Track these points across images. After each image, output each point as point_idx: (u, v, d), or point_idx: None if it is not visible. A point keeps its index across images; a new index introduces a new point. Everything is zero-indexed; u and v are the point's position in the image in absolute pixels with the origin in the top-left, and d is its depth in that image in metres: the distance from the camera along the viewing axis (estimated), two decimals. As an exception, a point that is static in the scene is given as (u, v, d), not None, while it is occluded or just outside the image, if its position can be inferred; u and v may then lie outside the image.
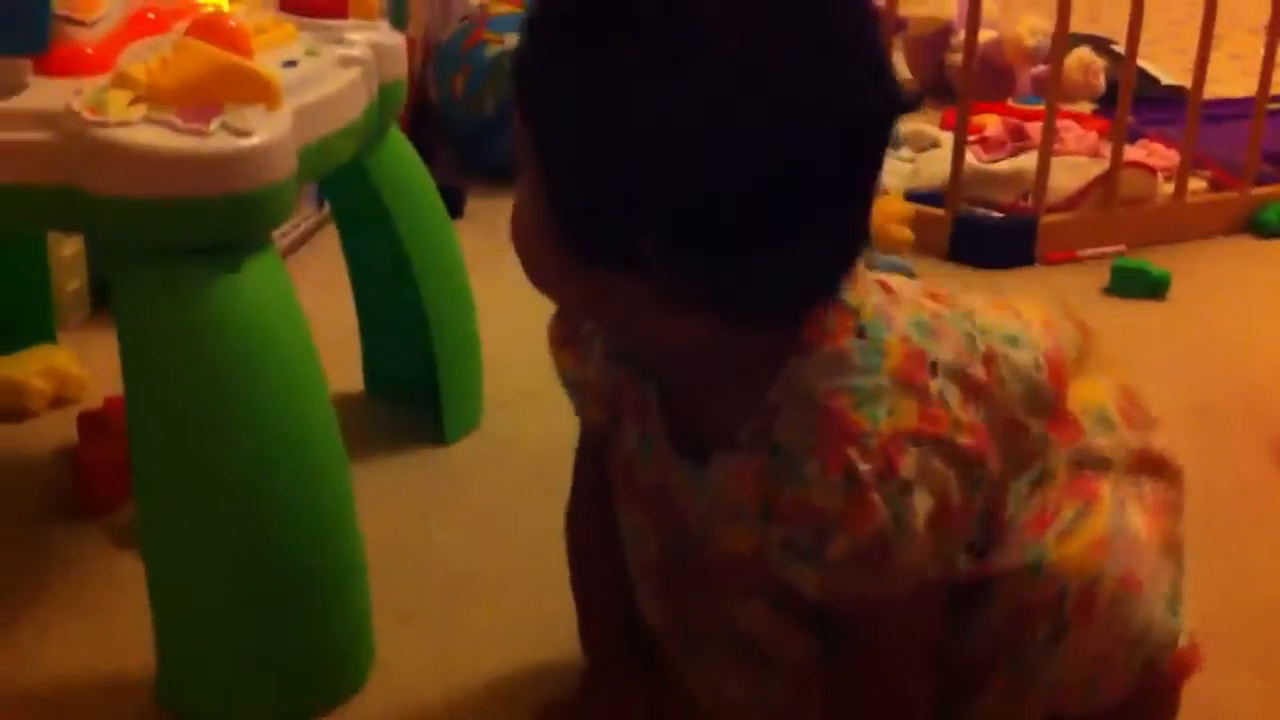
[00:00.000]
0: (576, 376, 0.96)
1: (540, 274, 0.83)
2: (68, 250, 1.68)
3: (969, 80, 2.03)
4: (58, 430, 1.45)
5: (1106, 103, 2.54)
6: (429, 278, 1.41)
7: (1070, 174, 2.08)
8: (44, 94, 1.02)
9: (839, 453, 0.81)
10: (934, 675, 0.91)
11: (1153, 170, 2.12)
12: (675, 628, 1.00)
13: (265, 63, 1.07)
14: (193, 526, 1.02)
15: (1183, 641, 0.94)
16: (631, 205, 0.75)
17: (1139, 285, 1.91)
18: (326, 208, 1.97)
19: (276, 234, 1.15)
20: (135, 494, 1.05)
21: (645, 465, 0.93)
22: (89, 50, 1.07)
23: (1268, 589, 1.26)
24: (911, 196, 2.05)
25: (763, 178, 0.74)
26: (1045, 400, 0.92)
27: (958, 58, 2.47)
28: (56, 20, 1.05)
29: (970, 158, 2.07)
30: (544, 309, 0.93)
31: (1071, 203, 2.08)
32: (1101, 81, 2.67)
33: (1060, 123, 2.10)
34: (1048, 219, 2.03)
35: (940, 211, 2.02)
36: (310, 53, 1.17)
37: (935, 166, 2.11)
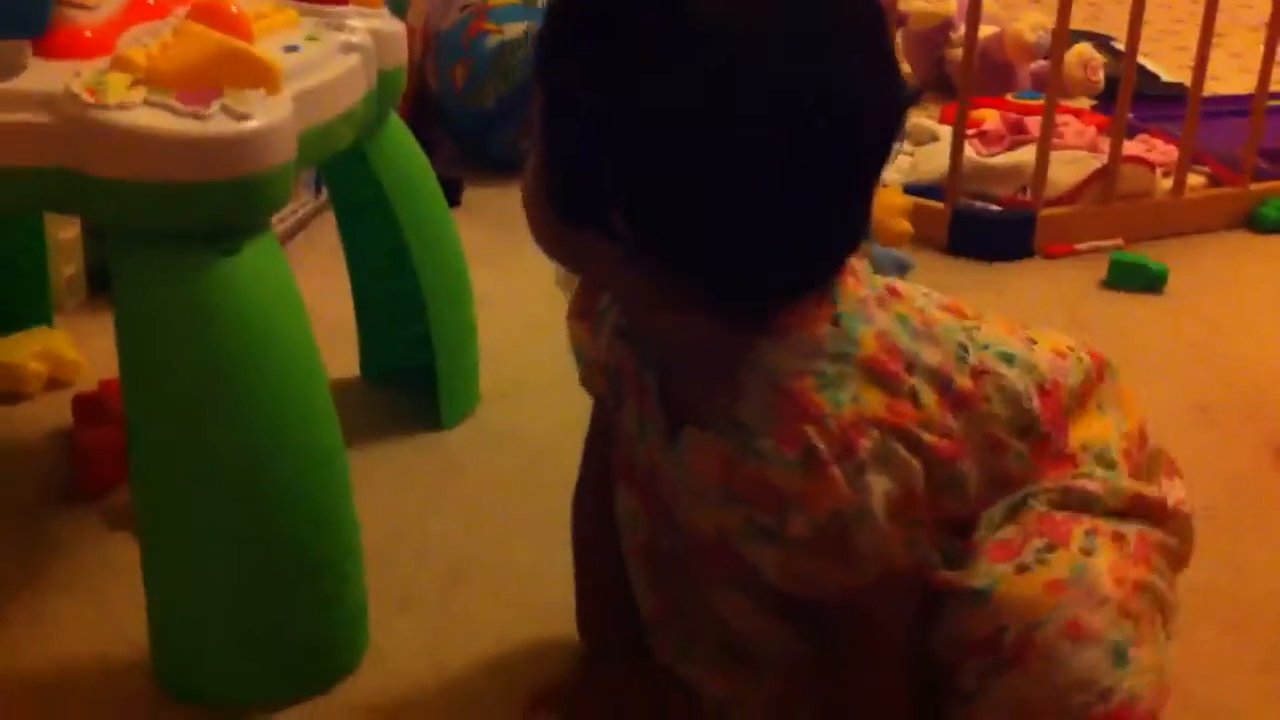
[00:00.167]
0: (588, 349, 0.98)
1: (536, 230, 0.87)
2: (65, 235, 1.68)
3: (969, 75, 2.03)
4: (53, 413, 1.45)
5: (1106, 100, 2.54)
6: (427, 265, 1.41)
7: (1069, 168, 2.08)
8: (43, 76, 1.01)
9: (796, 431, 0.81)
10: (913, 676, 0.90)
11: (1151, 165, 2.12)
12: (668, 623, 1.01)
13: (266, 47, 1.07)
14: (190, 510, 1.02)
15: (1140, 692, 0.88)
16: (604, 188, 0.79)
17: (1137, 279, 1.91)
18: (323, 195, 1.96)
19: (273, 220, 1.15)
20: (132, 477, 1.05)
21: (642, 447, 0.94)
22: (88, 33, 1.06)
23: (1268, 586, 1.26)
24: (910, 190, 2.05)
25: (732, 172, 0.77)
26: (1032, 427, 0.91)
27: (958, 53, 2.47)
28: (56, 3, 1.05)
29: (969, 151, 2.07)
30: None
31: (1070, 197, 2.08)
32: (1101, 78, 2.66)
33: (1059, 117, 2.10)
34: (1046, 213, 2.03)
35: (939, 205, 2.02)
36: (311, 38, 1.16)
37: (934, 160, 2.11)
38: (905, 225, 1.98)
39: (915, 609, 0.89)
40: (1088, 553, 0.89)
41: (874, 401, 0.83)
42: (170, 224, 1.00)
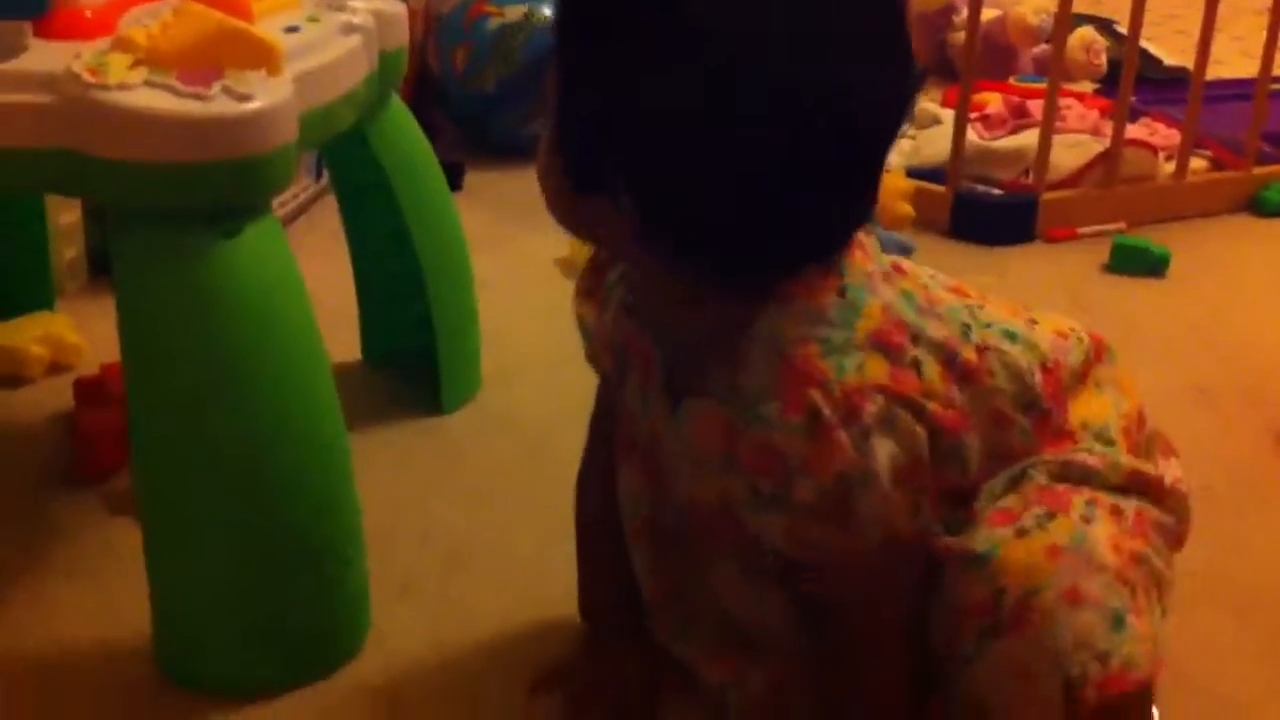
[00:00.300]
0: (594, 326, 0.98)
1: (550, 201, 0.87)
2: (66, 219, 1.67)
3: (971, 58, 2.02)
4: (55, 397, 1.45)
5: (1108, 83, 2.54)
6: (428, 247, 1.41)
7: (1071, 152, 2.08)
8: (44, 57, 1.01)
9: (801, 394, 0.82)
10: (912, 653, 0.90)
11: (1154, 149, 2.12)
12: (667, 605, 1.01)
13: (267, 28, 1.06)
14: (191, 494, 1.02)
15: (1137, 659, 0.88)
16: (610, 169, 0.80)
17: (1139, 263, 1.91)
18: (324, 179, 1.96)
19: (274, 204, 1.15)
20: (133, 460, 1.04)
21: (644, 421, 0.94)
22: (89, 14, 1.06)
23: (1267, 570, 1.25)
24: (913, 173, 2.06)
25: (733, 171, 0.77)
26: (1034, 403, 0.92)
27: (960, 36, 2.47)
28: (57, -17, 1.05)
29: (971, 135, 2.06)
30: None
31: (1072, 180, 2.07)
32: (1103, 61, 2.66)
33: (1061, 101, 2.10)
34: (1048, 196, 2.02)
35: (941, 188, 2.02)
36: (312, 19, 1.16)
37: (937, 144, 2.11)
38: (907, 208, 1.98)
39: (917, 579, 0.89)
40: (1087, 521, 0.89)
41: (878, 370, 0.83)
42: (172, 205, 0.99)
